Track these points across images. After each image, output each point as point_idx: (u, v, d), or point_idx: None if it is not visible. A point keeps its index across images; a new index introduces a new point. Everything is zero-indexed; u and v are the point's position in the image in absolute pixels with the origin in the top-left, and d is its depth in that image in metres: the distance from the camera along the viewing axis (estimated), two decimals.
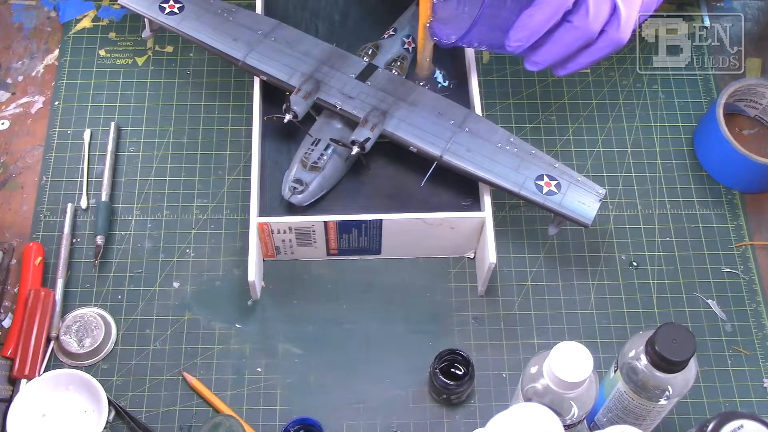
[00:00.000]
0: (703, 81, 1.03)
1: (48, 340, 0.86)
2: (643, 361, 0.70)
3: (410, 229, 0.87)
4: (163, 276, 0.90)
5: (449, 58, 0.95)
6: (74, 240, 0.92)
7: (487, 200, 0.86)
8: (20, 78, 1.02)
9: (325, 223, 0.86)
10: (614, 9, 0.75)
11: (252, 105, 0.91)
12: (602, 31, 0.76)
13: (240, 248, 0.91)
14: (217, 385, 0.85)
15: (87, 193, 0.94)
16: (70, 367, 0.85)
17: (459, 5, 0.87)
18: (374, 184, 0.90)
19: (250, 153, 0.90)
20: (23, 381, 0.83)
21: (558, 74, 0.81)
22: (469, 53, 0.94)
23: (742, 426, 0.63)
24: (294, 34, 0.93)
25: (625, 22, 0.75)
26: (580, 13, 0.74)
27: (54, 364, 0.86)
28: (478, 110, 0.90)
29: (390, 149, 0.89)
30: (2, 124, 0.99)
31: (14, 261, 0.91)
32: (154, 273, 0.90)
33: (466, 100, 0.93)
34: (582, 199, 0.83)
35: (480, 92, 0.92)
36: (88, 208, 0.93)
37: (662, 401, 0.71)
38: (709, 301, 0.90)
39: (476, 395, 0.85)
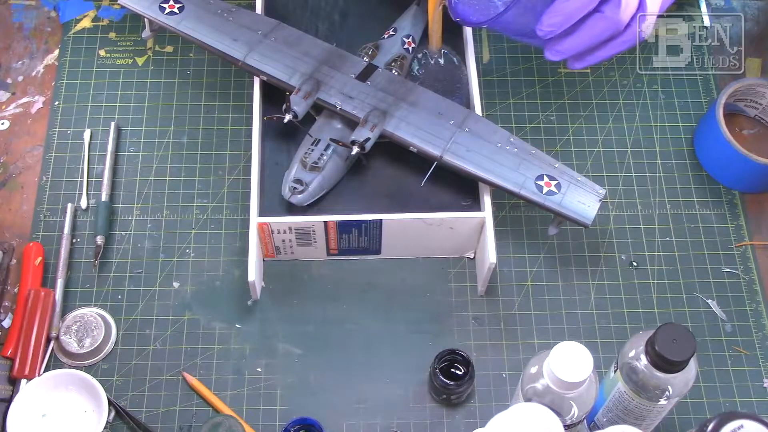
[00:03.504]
0: (703, 81, 1.03)
1: (48, 340, 0.86)
2: (643, 361, 0.70)
3: (410, 229, 0.87)
4: (163, 276, 0.90)
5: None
6: (74, 240, 0.92)
7: (487, 200, 0.86)
8: (20, 78, 1.02)
9: (325, 223, 0.86)
10: (640, 3, 0.75)
11: (252, 105, 0.91)
12: (629, 25, 0.77)
13: (240, 248, 0.91)
14: (217, 385, 0.85)
15: (87, 193, 0.94)
16: (70, 367, 0.85)
17: None
18: (374, 184, 0.90)
19: (250, 153, 0.90)
20: (23, 381, 0.83)
21: (573, 67, 0.81)
22: (469, 53, 0.94)
23: (742, 426, 0.63)
24: (294, 34, 0.93)
25: (650, 17, 0.76)
26: (612, 4, 0.75)
27: (54, 364, 0.86)
28: (478, 110, 0.91)
29: (390, 149, 0.89)
30: (2, 124, 0.99)
31: (14, 261, 0.91)
32: (154, 273, 0.90)
33: (466, 100, 0.93)
34: (582, 199, 0.83)
35: (480, 92, 0.92)
36: (88, 208, 0.93)
37: (662, 401, 0.71)
38: (709, 301, 0.90)
39: (476, 395, 0.85)
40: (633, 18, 0.76)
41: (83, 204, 0.93)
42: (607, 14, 0.75)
